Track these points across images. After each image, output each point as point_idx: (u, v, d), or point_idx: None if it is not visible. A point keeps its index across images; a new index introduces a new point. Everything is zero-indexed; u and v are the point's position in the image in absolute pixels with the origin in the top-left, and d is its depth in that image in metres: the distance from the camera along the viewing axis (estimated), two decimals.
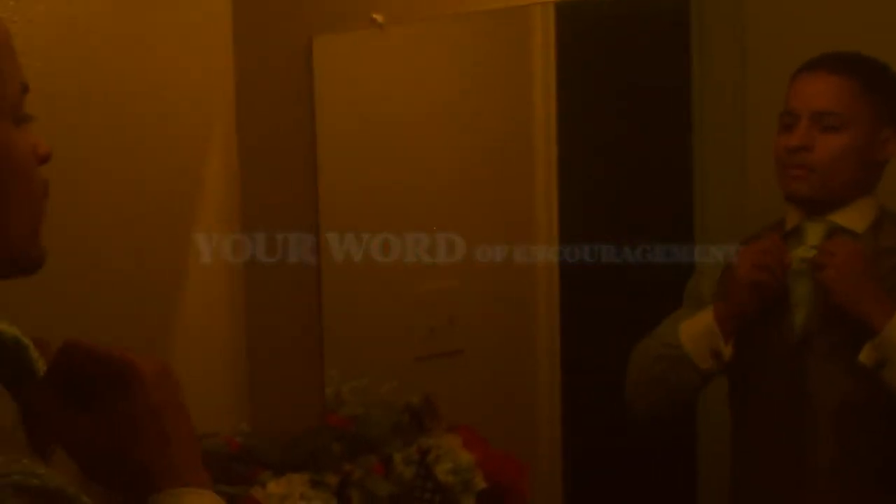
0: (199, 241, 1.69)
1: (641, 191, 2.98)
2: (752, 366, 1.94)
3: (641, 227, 3.00)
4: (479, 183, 2.09)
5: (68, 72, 1.53)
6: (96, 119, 1.57)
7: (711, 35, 2.82)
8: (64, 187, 1.49)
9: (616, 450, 2.56)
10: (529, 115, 2.18)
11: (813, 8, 2.54)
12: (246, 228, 1.71)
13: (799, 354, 1.85)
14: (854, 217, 1.86)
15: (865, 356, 1.74)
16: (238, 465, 1.60)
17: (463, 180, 2.06)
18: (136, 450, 0.88)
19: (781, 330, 1.87)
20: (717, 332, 1.91)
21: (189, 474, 0.91)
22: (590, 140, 2.82)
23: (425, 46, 1.99)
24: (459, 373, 2.04)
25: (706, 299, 2.03)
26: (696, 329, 1.95)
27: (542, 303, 2.18)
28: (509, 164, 2.15)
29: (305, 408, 1.73)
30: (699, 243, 2.79)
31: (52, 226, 1.48)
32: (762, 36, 2.68)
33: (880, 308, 1.74)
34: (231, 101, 1.70)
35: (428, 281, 1.99)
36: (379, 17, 1.78)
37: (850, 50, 1.92)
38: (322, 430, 1.68)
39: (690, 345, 1.95)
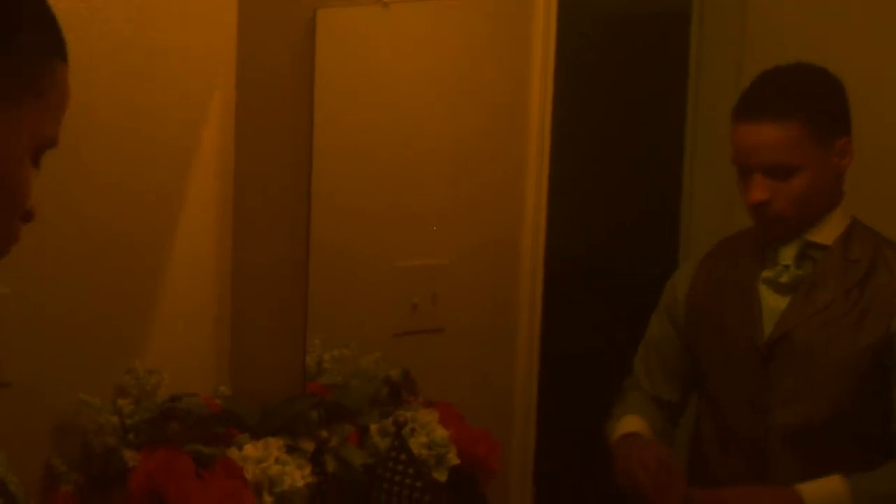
0: (189, 205, 1.70)
1: (631, 179, 3.01)
2: (720, 368, 1.96)
3: (627, 214, 3.04)
4: (472, 165, 2.11)
5: (71, 33, 1.54)
6: (99, 79, 1.58)
7: (711, 37, 2.85)
8: (62, 145, 1.52)
9: (588, 436, 2.59)
10: (525, 101, 2.19)
11: (811, 14, 2.57)
12: (238, 195, 1.73)
13: (766, 359, 1.87)
14: (824, 232, 1.86)
15: None
16: (216, 426, 1.62)
17: (456, 161, 2.08)
18: None
19: (751, 336, 1.89)
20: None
21: None
22: (583, 129, 2.85)
23: (427, 26, 2.01)
24: (439, 350, 2.06)
25: (676, 319, 2.04)
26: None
27: (525, 286, 2.21)
28: (503, 147, 2.17)
29: (286, 374, 1.75)
30: (684, 239, 2.83)
31: (51, 179, 1.51)
32: (760, 40, 2.70)
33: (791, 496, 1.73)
34: (232, 68, 1.72)
35: (414, 258, 2.02)
36: None
37: (806, 63, 1.88)
38: (301, 397, 1.70)
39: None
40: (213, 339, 1.73)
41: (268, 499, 1.56)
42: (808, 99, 1.81)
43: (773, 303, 1.88)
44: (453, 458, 1.74)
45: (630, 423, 1.94)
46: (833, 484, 1.73)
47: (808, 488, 1.72)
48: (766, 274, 1.88)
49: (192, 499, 1.51)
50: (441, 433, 1.74)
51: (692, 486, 1.80)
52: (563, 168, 2.32)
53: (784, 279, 1.86)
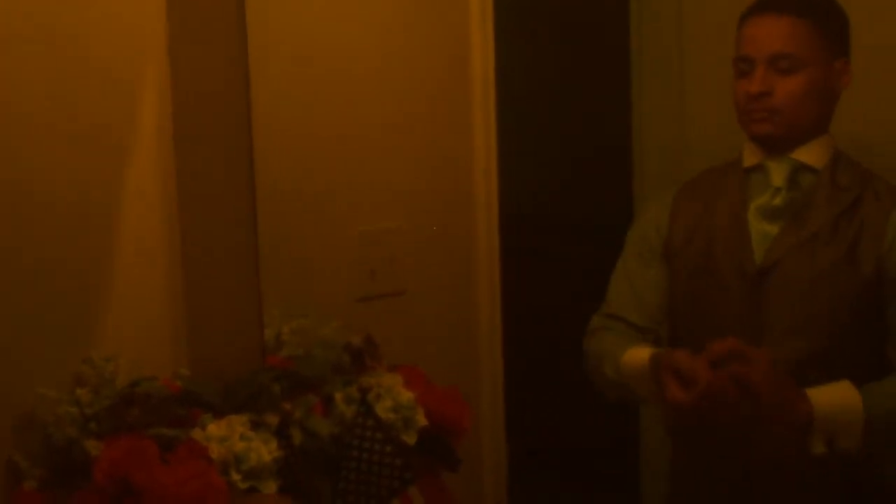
0: (131, 186, 1.67)
1: (580, 129, 3.00)
2: (706, 301, 1.95)
3: (579, 162, 3.02)
4: (418, 123, 2.08)
5: None
6: (25, 68, 1.54)
7: None
8: None
9: (557, 385, 2.60)
10: (467, 53, 2.17)
11: None
12: (180, 171, 1.69)
13: (757, 287, 1.87)
14: (813, 154, 1.89)
15: (815, 447, 1.74)
16: (178, 408, 1.59)
17: (401, 120, 2.06)
18: None
19: (741, 264, 1.89)
20: (654, 391, 1.86)
21: None
22: (528, 78, 2.83)
23: None
24: (401, 314, 2.04)
25: (655, 248, 2.03)
26: (637, 369, 1.92)
27: (482, 243, 2.19)
28: (448, 103, 2.15)
29: (245, 349, 1.72)
30: (637, 186, 2.82)
31: None
32: None
33: (801, 399, 1.73)
34: (163, 43, 1.68)
35: (368, 221, 2.00)
36: None
37: None
38: (262, 371, 1.67)
39: (634, 382, 1.94)
40: (169, 320, 1.71)
41: (235, 476, 1.53)
42: (821, 9, 1.90)
43: (763, 230, 1.89)
44: (421, 420, 1.72)
45: (643, 351, 1.91)
46: (845, 392, 1.74)
47: (819, 395, 1.72)
48: (758, 201, 1.90)
49: (159, 483, 1.49)
50: (407, 395, 1.72)
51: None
52: (511, 121, 2.30)
53: (777, 202, 1.88)
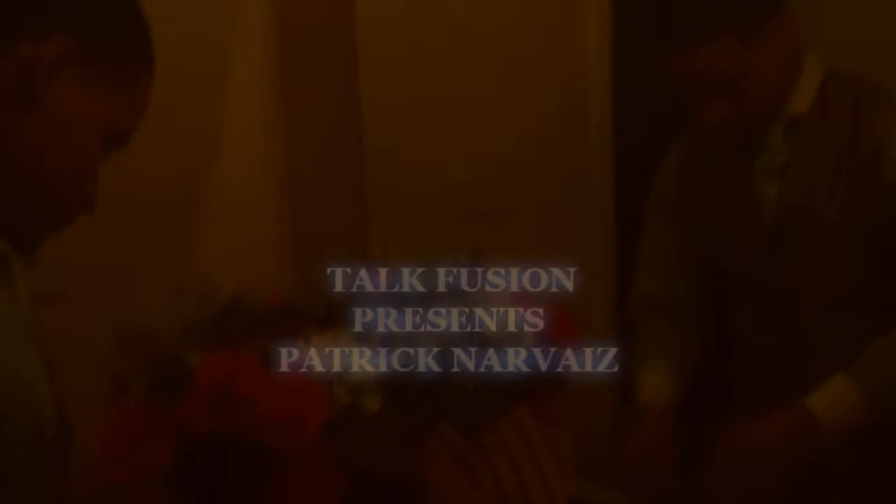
0: (235, 103, 1.64)
1: None
2: (726, 260, 1.86)
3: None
4: (532, 34, 2.02)
5: None
6: None
7: None
8: None
9: None
10: None
11: None
12: (284, 73, 1.66)
13: (771, 247, 1.77)
14: (798, 100, 1.73)
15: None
16: (281, 322, 1.57)
17: (515, 31, 1.99)
18: None
19: (753, 228, 1.78)
20: None
21: None
22: None
23: None
24: (510, 231, 1.99)
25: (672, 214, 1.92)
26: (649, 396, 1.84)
27: (595, 163, 2.11)
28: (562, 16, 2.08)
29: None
30: None
31: None
32: None
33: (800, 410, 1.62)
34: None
35: (479, 137, 1.93)
36: None
37: None
38: None
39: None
40: (275, 233, 1.69)
41: (339, 391, 1.51)
42: (733, 7, 1.64)
43: (770, 190, 1.77)
44: (528, 339, 1.64)
45: (653, 382, 1.84)
46: (838, 386, 1.62)
47: (817, 402, 1.61)
48: (760, 163, 1.77)
49: (261, 395, 1.46)
50: (516, 313, 1.65)
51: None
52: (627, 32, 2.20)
53: (778, 163, 1.75)
